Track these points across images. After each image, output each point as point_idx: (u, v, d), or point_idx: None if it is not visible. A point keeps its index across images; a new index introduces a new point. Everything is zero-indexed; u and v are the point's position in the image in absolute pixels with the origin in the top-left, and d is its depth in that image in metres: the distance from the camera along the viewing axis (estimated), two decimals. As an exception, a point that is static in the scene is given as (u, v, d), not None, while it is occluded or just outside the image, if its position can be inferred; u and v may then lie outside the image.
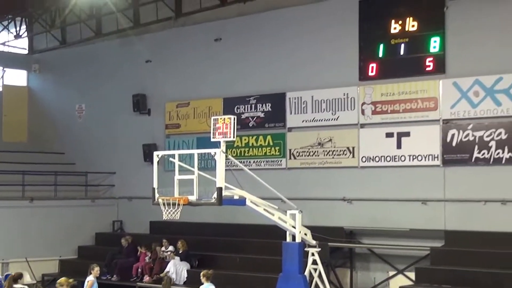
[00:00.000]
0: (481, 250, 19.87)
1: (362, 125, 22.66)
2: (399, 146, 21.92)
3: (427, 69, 21.47)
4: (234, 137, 18.45)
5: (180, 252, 23.78)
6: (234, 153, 23.71)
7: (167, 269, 23.29)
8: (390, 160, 22.09)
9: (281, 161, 24.25)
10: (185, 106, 26.67)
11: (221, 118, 18.68)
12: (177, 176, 18.29)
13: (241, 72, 25.35)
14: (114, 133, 28.49)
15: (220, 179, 17.95)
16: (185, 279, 23.29)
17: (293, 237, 19.14)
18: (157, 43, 27.61)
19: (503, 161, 20.19)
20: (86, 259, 25.18)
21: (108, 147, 28.58)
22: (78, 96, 29.94)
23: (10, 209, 25.28)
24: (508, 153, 20.11)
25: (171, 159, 19.14)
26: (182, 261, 23.55)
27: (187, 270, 23.38)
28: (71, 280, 16.53)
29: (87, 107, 29.56)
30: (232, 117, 18.48)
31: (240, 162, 20.19)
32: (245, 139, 24.91)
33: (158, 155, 19.05)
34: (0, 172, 25.56)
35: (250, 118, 25.00)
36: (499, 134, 20.28)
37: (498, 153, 20.25)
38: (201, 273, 18.26)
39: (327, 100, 23.36)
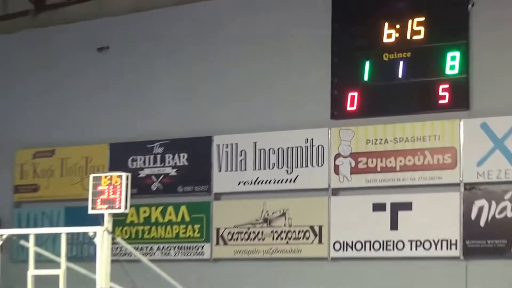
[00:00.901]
0: None
1: (336, 191, 22.64)
2: (394, 225, 21.86)
3: (441, 102, 21.49)
4: (127, 208, 18.21)
5: None
6: (126, 233, 23.54)
7: None
8: (379, 249, 21.99)
9: (203, 247, 24.12)
10: (47, 157, 26.57)
11: (105, 177, 18.51)
12: (32, 271, 18.07)
13: (140, 102, 25.32)
14: None
15: (102, 275, 17.76)
16: None
17: None
18: (3, 53, 27.26)
19: (562, 252, 20.18)
20: None
21: None
22: None
23: None
24: None
25: (22, 242, 18.85)
26: None
27: None
28: None
29: None
30: (124, 175, 18.31)
31: (136, 249, 20.22)
32: (144, 212, 24.79)
33: (1, 236, 18.64)
34: None
35: (153, 177, 24.91)
36: (555, 207, 20.31)
37: (555, 239, 20.25)
38: None
39: (279, 149, 23.37)
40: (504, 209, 20.61)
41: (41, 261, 18.20)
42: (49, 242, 18.96)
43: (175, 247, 24.32)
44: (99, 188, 18.48)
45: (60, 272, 17.87)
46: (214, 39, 24.30)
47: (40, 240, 18.67)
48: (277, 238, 23.15)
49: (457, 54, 21.26)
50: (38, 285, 18.03)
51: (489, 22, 21.00)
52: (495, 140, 20.81)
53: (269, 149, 23.39)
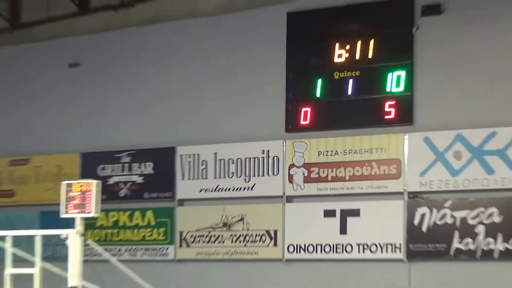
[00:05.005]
0: None
1: (290, 198, 22.64)
2: (343, 230, 21.87)
3: (387, 117, 21.58)
4: (97, 213, 18.36)
5: None
6: (96, 236, 23.39)
7: None
8: (330, 251, 21.99)
9: (167, 249, 24.06)
10: (22, 164, 26.35)
11: (77, 184, 18.62)
12: (10, 270, 18.17)
13: (109, 114, 25.21)
14: None
15: (74, 274, 17.85)
16: None
17: None
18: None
19: (496, 255, 20.23)
20: None
21: None
22: None
23: None
24: (502, 243, 20.17)
25: (0, 243, 18.71)
26: None
27: None
28: None
29: None
30: (95, 182, 18.46)
31: (106, 250, 20.17)
32: (113, 216, 24.70)
33: None
34: None
35: (121, 184, 24.82)
36: (490, 215, 20.34)
37: (489, 243, 20.29)
38: None
39: (237, 160, 23.33)
40: (444, 216, 20.70)
41: (17, 261, 18.15)
42: (24, 243, 18.80)
43: (141, 249, 24.23)
44: (71, 194, 18.49)
45: (35, 271, 17.90)
46: (179, 57, 24.21)
47: (17, 241, 18.57)
48: (235, 241, 23.12)
49: (402, 73, 21.34)
50: (15, 284, 18.06)
51: (431, 44, 21.07)
52: (437, 153, 20.89)
53: (229, 159, 23.36)
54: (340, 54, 22.10)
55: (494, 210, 20.26)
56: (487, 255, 20.25)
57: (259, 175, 22.97)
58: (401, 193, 21.28)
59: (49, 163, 25.84)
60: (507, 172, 20.20)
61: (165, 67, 24.51)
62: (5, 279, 18.18)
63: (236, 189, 23.25)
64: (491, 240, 20.24)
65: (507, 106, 20.26)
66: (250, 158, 23.11)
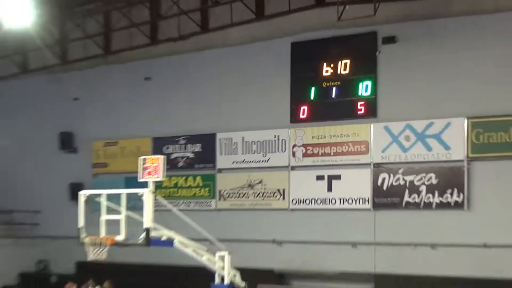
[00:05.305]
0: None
1: (293, 168, 22.38)
2: (329, 189, 21.68)
3: (359, 112, 21.35)
4: (163, 178, 18.19)
5: (107, 293, 23.03)
6: (162, 193, 23.02)
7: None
8: (320, 203, 21.81)
9: (210, 202, 23.84)
10: (113, 145, 26.18)
11: (149, 158, 18.46)
12: (104, 216, 17.93)
13: (171, 111, 24.97)
14: (39, 171, 27.68)
15: (148, 220, 17.69)
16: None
17: (222, 279, 18.73)
18: (85, 80, 27.01)
19: (434, 206, 20.04)
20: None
21: (33, 185, 27.72)
22: (2, 132, 28.83)
23: None
24: (438, 197, 19.96)
25: (97, 199, 18.52)
26: (108, 303, 22.82)
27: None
28: None
29: (12, 144, 28.44)
30: (161, 157, 18.23)
31: (169, 203, 19.65)
32: (174, 180, 24.40)
33: (84, 194, 18.61)
34: None
35: (179, 158, 24.56)
36: (430, 179, 20.15)
37: (429, 198, 20.12)
38: None
39: (257, 141, 23.07)
40: (398, 179, 20.57)
41: (110, 210, 17.97)
42: (114, 199, 18.62)
43: (193, 202, 24.04)
44: (145, 165, 18.37)
45: (122, 218, 17.77)
46: (219, 73, 24.08)
47: (109, 197, 18.42)
48: (256, 196, 22.93)
49: (369, 83, 21.16)
50: (108, 227, 17.94)
51: (389, 63, 20.90)
52: (393, 136, 20.73)
53: (251, 141, 23.12)
54: (327, 70, 21.88)
55: (432, 175, 20.11)
56: (428, 205, 20.14)
57: (272, 152, 22.73)
58: (369, 164, 21.08)
59: (131, 145, 25.62)
60: (441, 149, 20.04)
61: (208, 81, 24.26)
62: (101, 223, 18.08)
63: (257, 161, 23.03)
64: (430, 195, 20.11)
65: (441, 105, 20.10)
66: (266, 140, 22.88)
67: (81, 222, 18.24)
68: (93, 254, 17.87)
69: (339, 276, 20.92)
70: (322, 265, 21.23)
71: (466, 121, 19.61)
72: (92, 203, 19.11)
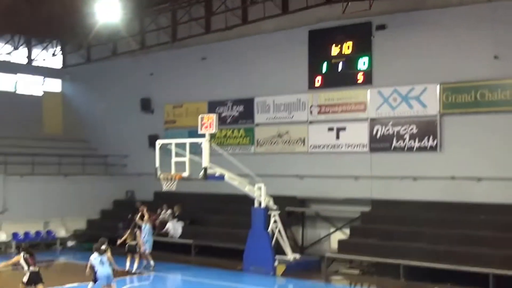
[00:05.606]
0: (398, 214, 19.64)
1: (311, 122, 22.11)
2: (338, 137, 21.44)
3: (358, 81, 21.01)
4: (215, 130, 18.57)
5: (176, 214, 23.35)
6: (215, 142, 22.86)
7: (167, 227, 22.78)
8: (331, 148, 21.61)
9: (250, 148, 23.68)
10: (179, 108, 25.97)
11: (206, 116, 18.77)
12: (174, 159, 18.36)
13: (221, 83, 24.65)
14: (127, 126, 27.63)
15: (205, 161, 18.18)
16: (180, 234, 22.82)
17: (260, 203, 19.20)
18: (158, 60, 26.80)
19: (414, 149, 19.82)
20: (107, 219, 25.99)
21: (122, 136, 27.74)
22: (100, 99, 28.94)
23: (49, 182, 25.13)
24: (418, 143, 19.72)
25: (168, 146, 18.76)
26: (178, 221, 23.09)
27: (182, 227, 22.95)
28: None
29: (107, 107, 28.53)
30: (214, 115, 18.58)
31: (221, 148, 19.95)
32: (223, 132, 24.22)
33: (159, 143, 19.02)
34: (43, 155, 25.58)
35: (227, 116, 24.35)
36: (412, 129, 19.90)
37: (411, 143, 19.88)
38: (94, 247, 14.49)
39: (284, 103, 22.78)
40: (388, 129, 20.30)
41: (178, 154, 18.23)
42: (181, 146, 18.65)
43: (238, 148, 23.82)
44: (203, 121, 18.54)
45: (186, 160, 17.98)
46: (257, 54, 23.58)
47: (177, 145, 18.52)
48: (284, 144, 22.71)
49: (366, 59, 20.78)
50: (177, 167, 18.17)
51: (381, 44, 20.49)
52: (384, 98, 20.41)
53: (280, 104, 22.82)
54: (335, 50, 21.47)
55: (413, 126, 19.85)
56: (410, 149, 19.93)
57: (295, 111, 22.42)
58: (366, 119, 20.77)
59: (192, 107, 25.32)
60: (420, 107, 19.76)
61: (249, 60, 23.83)
62: (172, 164, 18.20)
63: (284, 118, 22.72)
64: (412, 141, 19.90)
65: (419, 74, 19.68)
66: (291, 102, 22.57)
67: (157, 163, 18.67)
68: (166, 186, 18.28)
69: (345, 201, 20.83)
70: (332, 193, 21.12)
71: (438, 86, 19.24)
72: (165, 149, 19.23)
